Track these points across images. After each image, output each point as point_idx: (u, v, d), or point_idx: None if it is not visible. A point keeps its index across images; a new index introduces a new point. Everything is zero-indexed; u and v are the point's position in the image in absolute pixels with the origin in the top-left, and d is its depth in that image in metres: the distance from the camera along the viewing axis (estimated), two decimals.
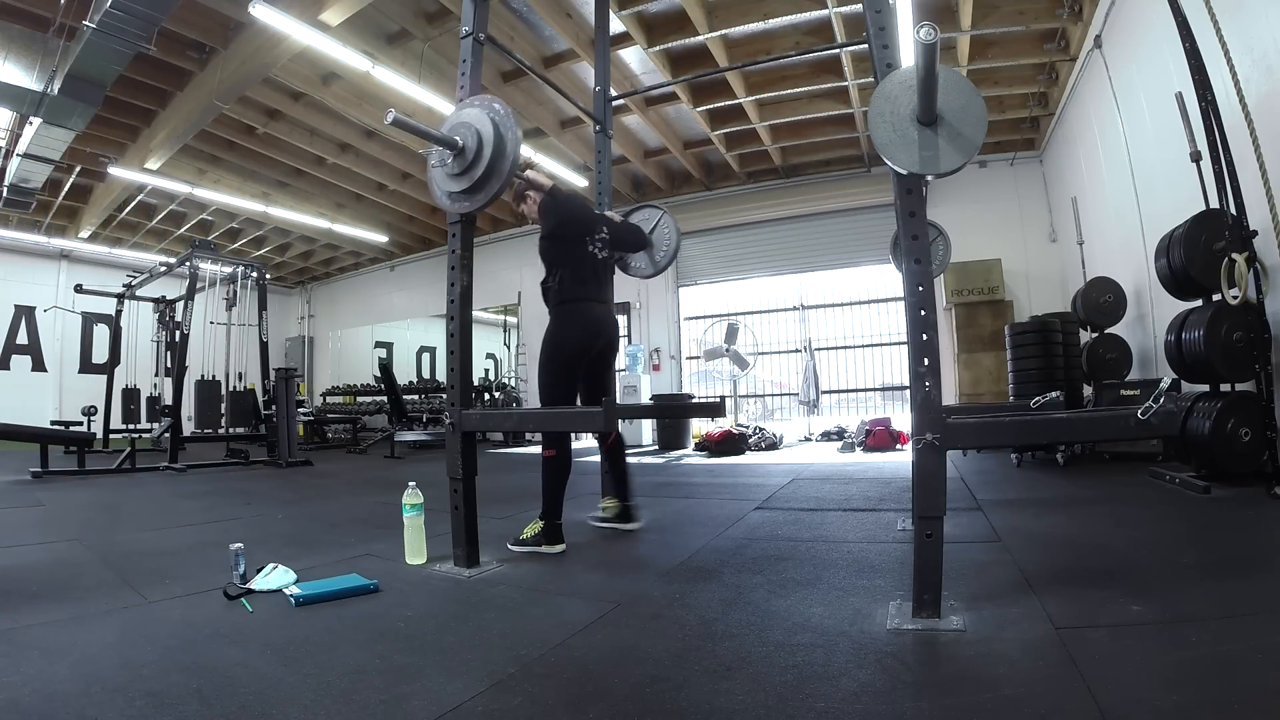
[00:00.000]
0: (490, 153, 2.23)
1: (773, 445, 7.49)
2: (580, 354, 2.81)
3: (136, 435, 7.34)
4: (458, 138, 2.28)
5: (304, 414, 8.61)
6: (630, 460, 3.21)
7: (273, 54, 5.79)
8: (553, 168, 8.48)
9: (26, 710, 1.27)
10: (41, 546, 2.81)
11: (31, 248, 10.36)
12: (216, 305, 7.37)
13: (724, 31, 6.04)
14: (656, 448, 8.09)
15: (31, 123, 6.09)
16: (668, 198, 9.98)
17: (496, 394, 10.51)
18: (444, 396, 4.05)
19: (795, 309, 9.67)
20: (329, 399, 12.86)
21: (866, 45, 1.95)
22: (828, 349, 9.38)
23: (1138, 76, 4.85)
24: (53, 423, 8.27)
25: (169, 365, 8.09)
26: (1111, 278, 5.40)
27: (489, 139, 2.24)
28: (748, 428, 7.95)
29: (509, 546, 2.63)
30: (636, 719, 1.23)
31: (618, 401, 2.80)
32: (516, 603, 2.00)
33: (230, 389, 7.65)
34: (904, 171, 1.71)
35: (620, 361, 8.41)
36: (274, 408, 6.57)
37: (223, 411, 7.56)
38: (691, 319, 10.17)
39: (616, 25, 5.64)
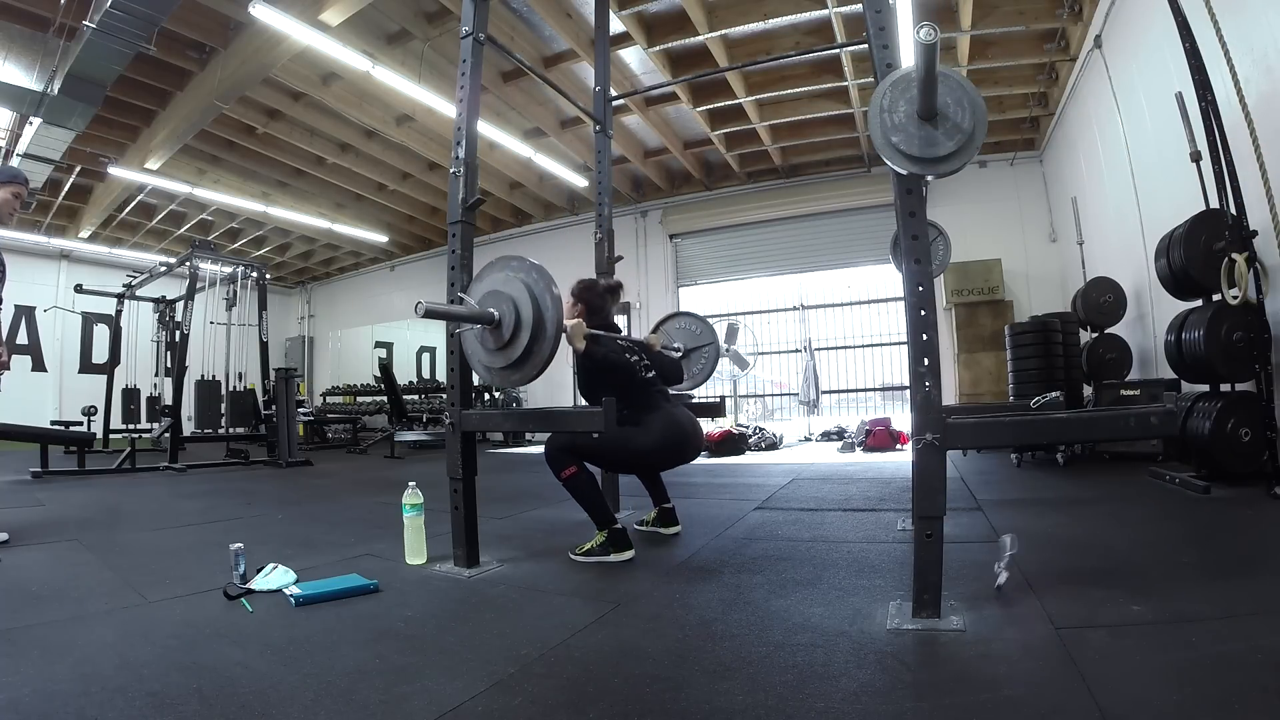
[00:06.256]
0: (530, 329, 2.12)
1: (773, 445, 7.48)
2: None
3: (136, 435, 7.33)
4: (493, 310, 2.17)
5: (304, 414, 8.61)
6: None
7: (273, 54, 5.79)
8: (553, 168, 8.48)
9: (26, 710, 1.27)
10: (41, 546, 2.80)
11: (31, 248, 10.35)
12: (216, 305, 7.36)
13: (724, 31, 6.04)
14: None
15: (31, 123, 6.09)
16: (668, 198, 9.99)
17: (496, 394, 10.50)
18: (444, 396, 4.05)
19: (795, 309, 9.68)
20: (329, 399, 12.84)
21: (866, 45, 1.95)
22: (828, 349, 9.37)
23: (1138, 76, 4.85)
24: (53, 423, 8.25)
25: (169, 365, 8.09)
26: (1111, 278, 5.39)
27: (527, 312, 2.11)
28: (748, 428, 7.94)
29: (571, 556, 2.48)
30: (636, 719, 1.23)
31: None
32: (516, 603, 2.00)
33: (230, 389, 7.64)
34: (904, 171, 1.71)
35: None
36: (274, 408, 6.57)
37: (223, 411, 7.56)
38: None
39: (616, 25, 5.65)
